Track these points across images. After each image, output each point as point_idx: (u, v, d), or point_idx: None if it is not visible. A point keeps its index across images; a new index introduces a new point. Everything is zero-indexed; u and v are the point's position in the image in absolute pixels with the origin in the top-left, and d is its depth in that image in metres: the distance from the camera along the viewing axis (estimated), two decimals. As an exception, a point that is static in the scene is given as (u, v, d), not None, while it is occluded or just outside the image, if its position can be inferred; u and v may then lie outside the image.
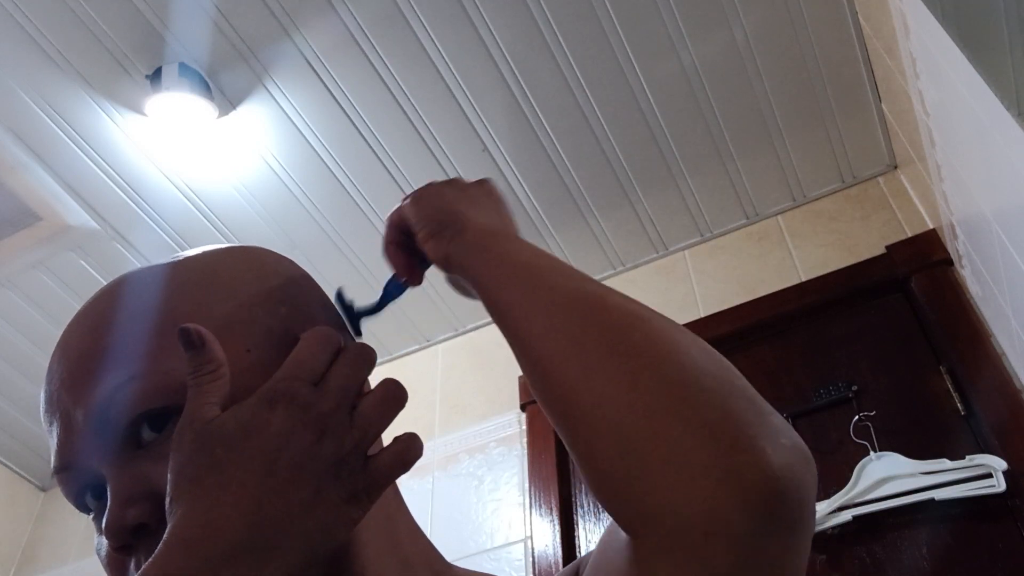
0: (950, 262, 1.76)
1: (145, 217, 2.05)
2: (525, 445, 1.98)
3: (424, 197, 0.57)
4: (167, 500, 0.39)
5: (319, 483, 0.39)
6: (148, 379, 0.44)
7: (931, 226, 1.86)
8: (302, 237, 2.13)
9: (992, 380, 1.54)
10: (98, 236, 2.06)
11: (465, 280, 0.53)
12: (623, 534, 0.40)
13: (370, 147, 1.96)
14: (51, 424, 0.47)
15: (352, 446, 0.41)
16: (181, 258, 0.51)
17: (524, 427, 2.02)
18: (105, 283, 0.51)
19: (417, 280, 0.59)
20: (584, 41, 1.81)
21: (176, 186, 2.00)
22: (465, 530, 1.90)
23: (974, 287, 1.66)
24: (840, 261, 1.91)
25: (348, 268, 2.20)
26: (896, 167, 2.05)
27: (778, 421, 0.40)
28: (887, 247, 1.86)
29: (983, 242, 1.49)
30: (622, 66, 1.86)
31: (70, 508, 2.76)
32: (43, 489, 2.71)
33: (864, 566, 1.48)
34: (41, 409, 0.48)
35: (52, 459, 0.47)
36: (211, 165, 1.97)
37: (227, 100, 1.85)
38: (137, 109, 1.83)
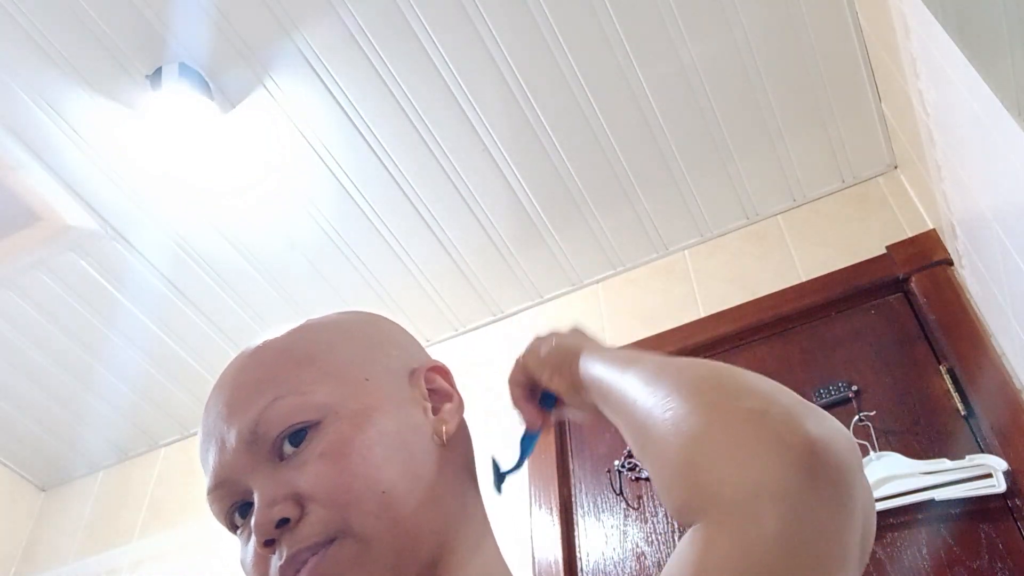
0: (950, 262, 1.76)
1: (145, 217, 2.05)
2: (525, 445, 1.98)
3: (536, 349, 0.70)
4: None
5: None
6: (289, 399, 0.54)
7: (931, 226, 1.86)
8: (302, 237, 2.13)
9: (992, 380, 1.54)
10: (98, 236, 2.06)
11: (589, 391, 0.62)
12: (686, 536, 0.44)
13: (370, 147, 1.96)
14: (207, 451, 0.56)
15: None
16: (312, 318, 0.62)
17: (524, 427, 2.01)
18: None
19: (549, 424, 0.73)
20: (584, 41, 1.81)
21: (176, 186, 2.00)
22: (465, 530, 1.90)
23: (974, 287, 1.66)
24: (840, 261, 1.91)
25: (348, 267, 2.20)
26: (896, 167, 2.05)
27: (823, 413, 0.45)
28: (887, 247, 1.86)
29: (983, 242, 1.49)
30: (622, 66, 1.86)
31: (70, 508, 2.76)
32: (43, 489, 2.71)
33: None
34: (199, 444, 0.57)
35: (208, 482, 0.56)
36: (211, 165, 1.97)
37: (227, 100, 1.84)
38: (137, 109, 1.83)
